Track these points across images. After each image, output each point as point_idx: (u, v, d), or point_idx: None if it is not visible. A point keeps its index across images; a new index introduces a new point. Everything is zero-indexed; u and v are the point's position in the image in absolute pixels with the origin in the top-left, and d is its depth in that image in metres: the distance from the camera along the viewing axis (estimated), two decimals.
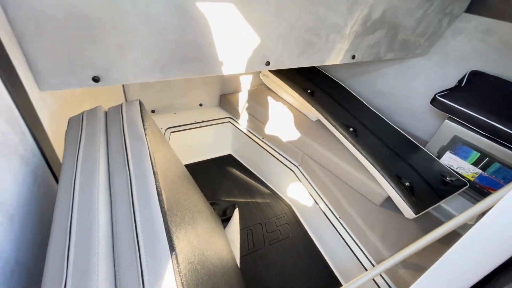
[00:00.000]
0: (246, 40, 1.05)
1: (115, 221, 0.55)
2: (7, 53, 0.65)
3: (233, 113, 2.16)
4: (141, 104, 0.88)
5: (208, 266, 0.73)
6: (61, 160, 0.89)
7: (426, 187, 1.31)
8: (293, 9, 1.04)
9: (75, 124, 0.78)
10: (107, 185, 0.62)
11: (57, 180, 0.87)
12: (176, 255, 0.50)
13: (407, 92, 1.74)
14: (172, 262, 0.48)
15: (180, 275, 0.48)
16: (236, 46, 1.05)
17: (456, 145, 1.41)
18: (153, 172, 0.64)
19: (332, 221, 1.48)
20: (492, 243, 0.44)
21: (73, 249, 0.49)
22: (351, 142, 1.47)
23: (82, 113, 0.82)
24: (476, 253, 0.46)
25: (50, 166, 0.83)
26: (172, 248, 0.51)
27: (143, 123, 0.78)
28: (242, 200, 1.95)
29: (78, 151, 0.68)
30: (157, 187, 0.61)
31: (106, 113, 0.85)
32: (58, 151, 0.88)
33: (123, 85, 1.76)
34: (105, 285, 0.45)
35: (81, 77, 0.82)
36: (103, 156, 0.68)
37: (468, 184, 1.39)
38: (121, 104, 0.86)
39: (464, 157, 1.40)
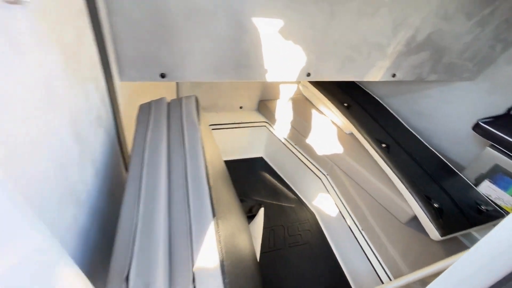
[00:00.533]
0: (291, 52, 1.17)
1: (172, 186, 0.69)
2: (107, 52, 0.85)
3: (270, 118, 2.28)
4: (197, 99, 1.04)
5: (236, 243, 0.84)
6: (126, 137, 1.08)
7: (457, 211, 1.28)
8: (339, 29, 1.14)
9: (145, 110, 0.96)
10: (167, 158, 0.77)
11: (122, 153, 1.06)
12: (217, 219, 0.62)
13: (449, 115, 1.70)
14: (214, 223, 0.61)
15: (218, 234, 0.60)
16: (282, 57, 1.17)
17: (496, 174, 1.36)
18: (203, 153, 0.78)
19: (354, 232, 1.50)
20: (495, 258, 0.47)
21: (142, 202, 0.64)
22: (382, 158, 1.49)
23: (151, 101, 1.00)
24: (480, 265, 0.50)
25: (119, 141, 1.03)
26: (214, 213, 0.63)
27: (197, 115, 0.94)
28: (268, 201, 2.05)
29: (147, 130, 0.85)
30: (206, 165, 0.74)
31: (168, 104, 1.02)
32: (125, 129, 1.07)
33: (177, 83, 1.99)
34: (163, 228, 0.58)
35: (152, 73, 1.00)
36: (165, 136, 0.84)
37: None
38: (181, 98, 1.03)
39: (504, 188, 1.34)
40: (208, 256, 0.55)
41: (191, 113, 0.94)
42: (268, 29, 1.07)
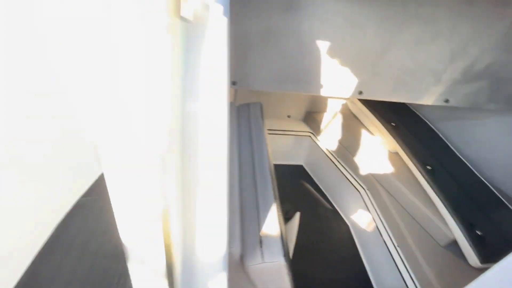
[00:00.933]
0: (346, 71, 1.30)
1: (242, 172, 0.87)
2: None
3: (315, 129, 2.40)
4: (261, 105, 1.23)
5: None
6: None
7: (501, 242, 1.26)
8: (395, 54, 1.24)
9: None
10: (238, 150, 0.96)
11: None
12: (277, 200, 0.78)
13: (505, 147, 1.65)
14: (276, 204, 0.77)
15: (279, 213, 0.76)
16: (337, 75, 1.31)
17: None
18: (267, 150, 0.95)
19: (389, 247, 1.54)
20: None
21: None
22: (426, 179, 1.52)
23: None
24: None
25: None
26: (275, 196, 0.79)
27: (262, 118, 1.12)
28: (303, 207, 2.16)
29: None
30: (269, 159, 0.91)
31: (237, 107, 1.23)
32: None
33: (236, 90, 2.23)
34: (237, 202, 0.76)
35: None
36: (236, 133, 1.04)
37: None
38: (249, 104, 1.23)
39: None
40: (272, 227, 0.71)
41: (256, 116, 1.13)
42: (328, 49, 1.22)
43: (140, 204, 0.38)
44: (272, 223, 0.72)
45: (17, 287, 1.16)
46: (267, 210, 0.75)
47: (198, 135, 0.42)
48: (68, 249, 1.36)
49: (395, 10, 1.15)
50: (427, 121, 2.05)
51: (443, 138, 1.90)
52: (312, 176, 2.43)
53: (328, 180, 2.25)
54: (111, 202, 0.39)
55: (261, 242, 0.69)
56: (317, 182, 2.37)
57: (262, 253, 0.67)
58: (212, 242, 0.44)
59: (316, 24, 1.16)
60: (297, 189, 2.34)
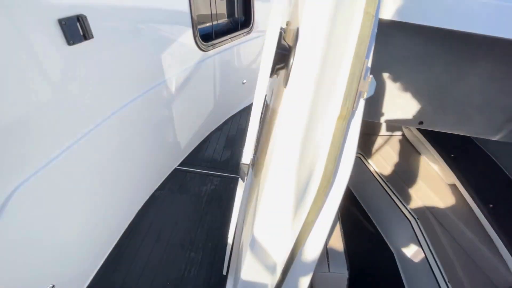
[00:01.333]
0: (408, 101, 1.34)
1: None
2: None
3: (365, 151, 2.41)
4: None
5: None
6: None
7: None
8: (463, 89, 1.26)
9: None
10: None
11: None
12: (340, 219, 0.89)
13: None
14: (339, 221, 0.87)
15: (342, 231, 0.86)
16: (399, 104, 1.36)
17: None
18: None
19: (439, 281, 1.50)
20: None
21: None
22: (486, 217, 1.46)
23: None
24: None
25: None
26: (339, 215, 0.90)
27: None
28: (345, 226, 2.17)
29: None
30: None
31: None
32: None
33: None
34: None
35: None
36: None
37: None
38: None
39: None
40: (337, 241, 0.81)
41: None
42: (392, 80, 1.29)
43: (289, 207, 0.53)
44: (337, 238, 0.82)
45: (106, 262, 1.42)
46: (333, 225, 0.86)
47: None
48: (145, 235, 1.60)
49: (467, 50, 1.18)
50: (491, 156, 1.94)
51: (509, 175, 1.79)
52: (357, 197, 2.43)
53: (375, 204, 2.24)
54: (266, 202, 0.56)
55: (327, 253, 0.79)
56: (362, 204, 2.37)
57: (328, 264, 0.78)
58: (314, 246, 0.56)
59: (384, 58, 1.23)
60: (340, 208, 2.36)
